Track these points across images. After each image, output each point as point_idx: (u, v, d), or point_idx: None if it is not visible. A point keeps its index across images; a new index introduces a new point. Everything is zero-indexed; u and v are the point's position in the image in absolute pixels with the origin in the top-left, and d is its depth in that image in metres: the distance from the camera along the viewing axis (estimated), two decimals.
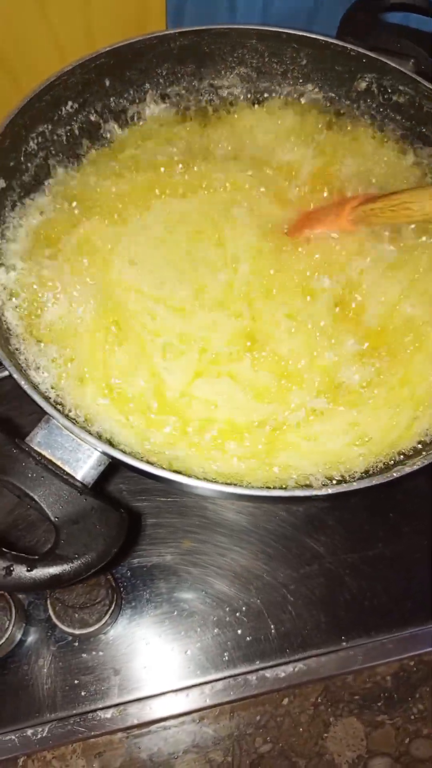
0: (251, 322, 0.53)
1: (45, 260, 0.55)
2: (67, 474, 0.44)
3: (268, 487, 0.46)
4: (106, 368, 0.50)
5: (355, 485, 0.44)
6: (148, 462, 0.44)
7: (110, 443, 0.47)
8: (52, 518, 0.41)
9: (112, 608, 0.57)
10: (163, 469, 0.43)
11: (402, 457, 0.50)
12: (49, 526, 0.63)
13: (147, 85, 0.65)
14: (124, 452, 0.44)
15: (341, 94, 0.67)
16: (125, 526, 0.42)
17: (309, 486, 0.47)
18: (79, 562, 0.39)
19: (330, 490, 0.44)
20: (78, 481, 0.44)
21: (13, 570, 0.39)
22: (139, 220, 0.58)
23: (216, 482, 0.44)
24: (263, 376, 0.51)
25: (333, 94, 0.67)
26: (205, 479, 0.45)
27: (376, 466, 0.50)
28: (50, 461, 0.44)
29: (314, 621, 0.62)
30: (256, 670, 0.60)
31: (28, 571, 0.39)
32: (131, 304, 0.53)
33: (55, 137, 0.61)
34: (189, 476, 0.44)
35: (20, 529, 0.64)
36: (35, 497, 0.41)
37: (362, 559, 0.65)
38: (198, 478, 0.44)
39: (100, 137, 0.65)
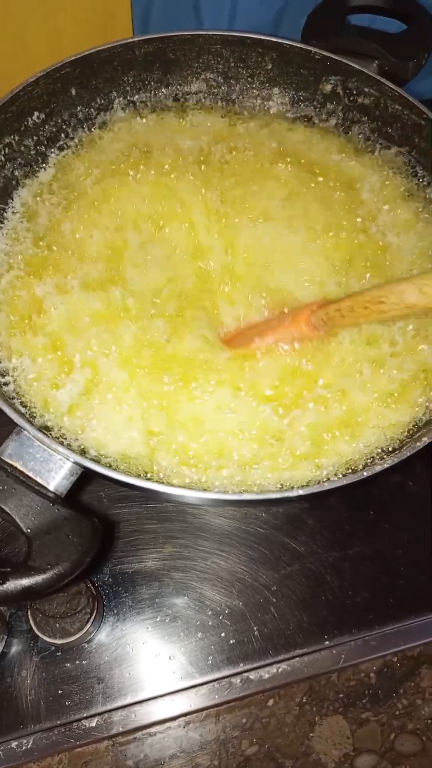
0: None
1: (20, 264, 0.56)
2: (39, 485, 0.44)
3: (244, 491, 0.47)
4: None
5: (327, 486, 0.44)
6: (121, 471, 0.44)
7: (83, 452, 0.47)
8: (25, 530, 0.41)
9: (93, 616, 0.57)
10: (136, 477, 0.43)
11: (375, 455, 0.50)
12: None
13: (114, 93, 0.66)
14: (96, 462, 0.44)
15: (307, 96, 0.68)
16: (99, 535, 0.42)
17: (283, 488, 0.47)
18: (51, 572, 0.40)
19: (302, 492, 0.44)
20: (50, 491, 0.44)
21: None
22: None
23: (191, 489, 0.45)
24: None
25: (299, 97, 0.68)
26: (181, 486, 0.45)
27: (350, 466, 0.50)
28: (22, 472, 0.44)
29: (297, 621, 0.62)
30: (241, 673, 0.60)
31: (0, 584, 0.39)
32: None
33: (23, 148, 0.61)
34: (165, 484, 0.44)
35: (0, 541, 0.64)
36: (7, 509, 0.41)
37: (343, 558, 0.65)
38: (174, 486, 0.44)
39: (67, 146, 0.65)
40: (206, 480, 0.48)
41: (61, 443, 0.44)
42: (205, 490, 0.46)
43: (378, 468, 0.45)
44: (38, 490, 0.43)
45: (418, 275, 0.47)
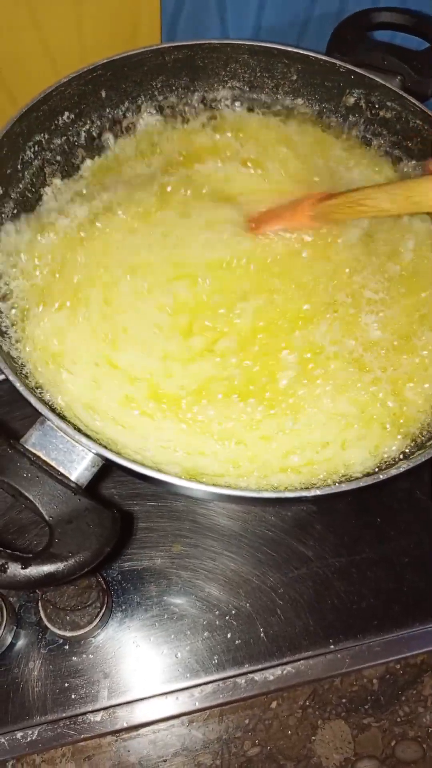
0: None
1: (37, 269, 0.56)
2: (62, 474, 0.44)
3: (259, 490, 0.47)
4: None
5: (344, 487, 0.45)
6: (140, 464, 0.44)
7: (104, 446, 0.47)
8: (47, 517, 0.42)
9: (102, 611, 0.57)
10: (155, 470, 0.44)
11: (388, 460, 0.51)
12: (40, 530, 0.64)
13: (142, 97, 0.67)
14: (117, 453, 0.45)
15: (330, 108, 0.69)
16: (118, 526, 0.43)
17: (298, 488, 0.48)
18: (73, 560, 0.40)
19: (318, 492, 0.45)
20: (72, 481, 0.44)
21: (8, 568, 0.39)
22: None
23: (207, 484, 0.45)
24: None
25: (322, 109, 0.69)
26: (198, 481, 0.46)
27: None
28: (45, 462, 0.44)
29: (302, 624, 0.63)
30: (246, 673, 0.61)
31: (23, 568, 0.39)
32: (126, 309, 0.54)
33: (52, 146, 0.63)
34: (180, 478, 0.45)
35: (12, 533, 0.65)
36: (30, 497, 0.42)
37: (350, 563, 0.66)
38: (189, 480, 0.45)
39: (96, 147, 0.66)
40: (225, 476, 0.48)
41: (84, 434, 0.45)
42: (224, 486, 0.46)
43: (393, 471, 0.46)
44: (60, 479, 0.44)
45: (390, 184, 0.55)
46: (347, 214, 0.56)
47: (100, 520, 0.42)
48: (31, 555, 0.40)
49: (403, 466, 0.46)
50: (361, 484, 0.45)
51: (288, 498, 0.45)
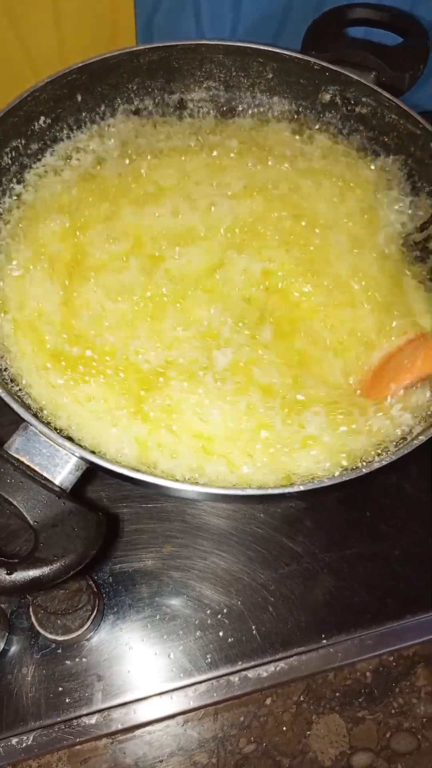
0: None
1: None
2: (45, 479, 0.44)
3: (244, 488, 0.47)
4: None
5: (326, 482, 0.45)
6: (122, 465, 0.45)
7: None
8: (31, 522, 0.42)
9: (94, 614, 0.57)
10: (140, 471, 0.44)
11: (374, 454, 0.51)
12: (30, 535, 0.64)
13: (118, 100, 0.67)
14: (101, 456, 0.45)
15: (307, 106, 0.69)
16: (103, 528, 0.43)
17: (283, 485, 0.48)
18: (58, 564, 0.40)
19: (302, 488, 0.45)
20: (56, 485, 0.44)
21: None
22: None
23: (194, 483, 0.45)
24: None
25: (299, 107, 0.69)
26: (184, 481, 0.46)
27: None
28: (28, 467, 0.44)
29: (294, 620, 0.63)
30: (239, 671, 0.61)
31: (8, 574, 0.39)
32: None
33: (29, 152, 0.63)
34: (166, 479, 0.45)
35: (1, 539, 0.65)
36: (14, 502, 0.42)
37: (340, 558, 0.66)
38: (176, 480, 0.45)
39: (73, 151, 0.66)
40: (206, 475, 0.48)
41: (67, 438, 0.45)
42: (206, 485, 0.47)
43: (376, 465, 0.46)
44: (44, 484, 0.44)
45: None
46: None
47: (85, 523, 0.42)
48: (16, 560, 0.40)
49: (386, 460, 0.47)
50: (344, 478, 0.46)
51: (272, 495, 0.45)
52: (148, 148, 0.64)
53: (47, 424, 0.46)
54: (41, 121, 0.63)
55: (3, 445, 0.46)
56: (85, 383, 0.50)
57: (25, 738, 0.57)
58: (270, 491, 0.45)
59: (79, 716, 0.58)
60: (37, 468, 0.45)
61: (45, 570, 0.40)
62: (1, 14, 0.72)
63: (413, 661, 0.65)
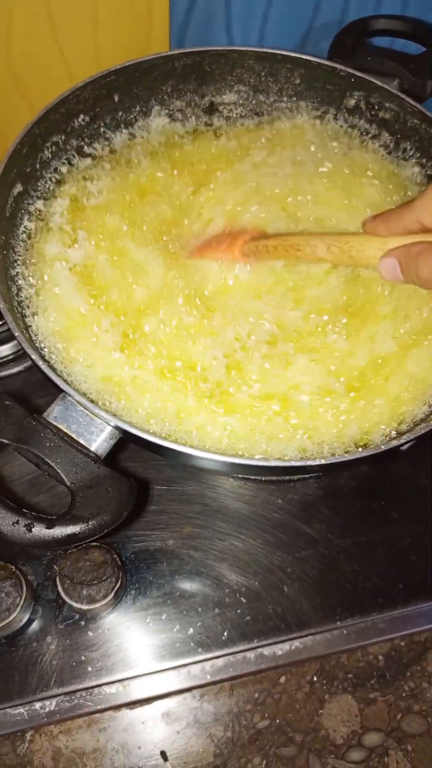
0: None
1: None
2: (81, 445, 0.47)
3: (267, 459, 0.50)
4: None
5: (348, 456, 0.48)
6: (156, 435, 0.47)
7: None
8: (68, 483, 0.45)
9: (117, 585, 0.60)
10: (170, 441, 0.47)
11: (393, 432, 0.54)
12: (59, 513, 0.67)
13: (152, 101, 0.71)
14: (134, 426, 0.47)
15: (332, 110, 0.72)
16: (135, 492, 0.46)
17: (305, 458, 0.51)
18: (94, 522, 0.43)
19: (323, 461, 0.47)
20: (91, 452, 0.47)
21: (34, 527, 0.42)
22: None
23: (220, 453, 0.48)
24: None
25: (324, 111, 0.73)
26: (211, 451, 0.49)
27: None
28: (65, 434, 0.47)
29: (309, 602, 0.65)
30: (255, 648, 0.63)
31: (47, 528, 0.42)
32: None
33: (68, 147, 0.66)
34: (194, 448, 0.47)
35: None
36: (53, 464, 0.45)
37: (354, 544, 0.68)
38: (204, 450, 0.48)
39: (109, 148, 0.70)
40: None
41: (103, 408, 0.48)
42: (235, 456, 0.49)
43: (395, 443, 0.49)
44: (80, 449, 0.47)
45: (330, 235, 0.53)
46: (280, 257, 0.56)
47: (118, 487, 0.45)
48: (55, 517, 0.43)
49: (404, 438, 0.49)
50: (364, 454, 0.48)
51: (294, 467, 0.48)
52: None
53: (84, 395, 0.49)
54: (80, 119, 0.66)
55: (42, 413, 0.49)
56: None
57: (48, 703, 0.60)
58: (293, 463, 0.48)
59: (100, 685, 0.61)
60: (73, 435, 0.48)
61: (81, 527, 0.43)
62: (43, 20, 0.76)
63: (425, 646, 0.66)
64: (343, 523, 0.69)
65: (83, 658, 0.61)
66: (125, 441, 0.50)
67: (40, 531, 0.42)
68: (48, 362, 0.50)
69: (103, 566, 0.60)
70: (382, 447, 0.48)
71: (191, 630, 0.63)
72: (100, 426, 0.48)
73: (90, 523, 0.43)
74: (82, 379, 0.53)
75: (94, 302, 0.57)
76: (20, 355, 0.73)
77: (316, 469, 0.49)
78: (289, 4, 0.82)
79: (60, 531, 0.42)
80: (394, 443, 0.49)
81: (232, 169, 0.67)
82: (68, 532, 0.42)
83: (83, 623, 0.63)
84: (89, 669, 0.61)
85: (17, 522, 0.42)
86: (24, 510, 0.43)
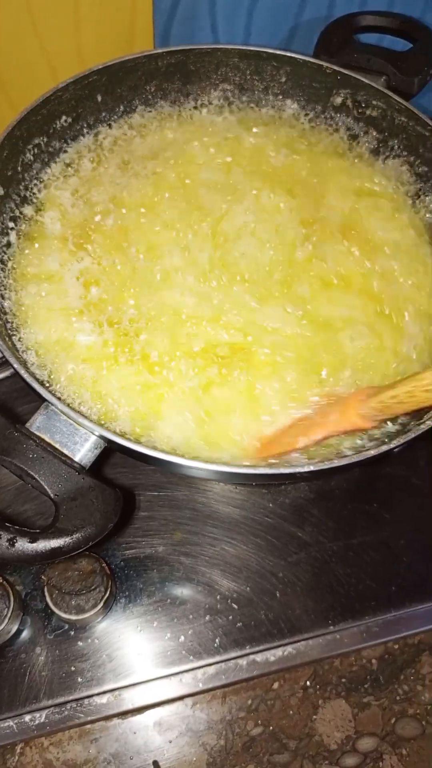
0: None
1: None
2: (65, 456, 0.46)
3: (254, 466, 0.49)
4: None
5: (336, 463, 0.47)
6: (142, 444, 0.46)
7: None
8: (52, 495, 0.44)
9: (106, 595, 0.59)
10: (157, 450, 0.46)
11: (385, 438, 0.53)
12: (45, 521, 0.66)
13: (136, 101, 0.70)
14: (118, 435, 0.47)
15: (318, 109, 0.71)
16: (120, 503, 0.45)
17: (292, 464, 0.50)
18: (78, 534, 0.42)
19: (312, 468, 0.47)
20: (75, 462, 0.46)
21: (16, 542, 0.41)
22: None
23: (209, 462, 0.47)
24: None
25: (311, 109, 0.72)
26: (198, 459, 0.48)
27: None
28: (49, 444, 0.46)
29: (302, 606, 0.64)
30: (247, 654, 0.62)
31: (30, 542, 0.41)
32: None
33: (51, 149, 0.65)
34: (183, 457, 0.46)
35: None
36: (36, 476, 0.44)
37: (347, 547, 0.68)
38: (191, 459, 0.47)
39: (91, 149, 0.68)
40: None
41: (86, 418, 0.47)
42: (222, 464, 0.48)
43: (385, 448, 0.48)
44: (64, 460, 0.46)
45: None
46: (405, 407, 0.46)
47: (103, 498, 0.44)
48: (38, 531, 0.42)
49: (394, 442, 0.48)
50: (354, 459, 0.47)
51: (283, 474, 0.47)
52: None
53: (68, 404, 0.48)
54: (63, 120, 0.65)
55: (25, 423, 0.48)
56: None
57: (37, 715, 0.59)
58: (281, 471, 0.47)
59: (91, 695, 0.60)
60: (57, 445, 0.47)
61: (66, 540, 0.42)
62: (24, 19, 0.75)
63: (418, 648, 0.66)
64: (335, 526, 0.69)
65: (73, 668, 0.60)
66: (111, 450, 0.49)
67: (23, 545, 0.41)
68: (30, 371, 0.49)
69: (91, 575, 0.60)
70: (372, 452, 0.48)
71: (182, 637, 0.63)
72: (85, 435, 0.47)
73: (74, 536, 0.42)
74: (65, 387, 0.52)
75: (83, 307, 0.56)
76: (4, 361, 0.72)
77: (306, 476, 0.48)
78: None
79: (44, 545, 0.41)
80: (385, 448, 0.48)
81: None
82: (52, 546, 0.41)
83: (73, 633, 0.62)
84: (79, 680, 0.60)
85: None
86: (6, 524, 0.42)
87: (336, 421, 0.49)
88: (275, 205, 0.63)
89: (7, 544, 0.41)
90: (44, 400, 0.48)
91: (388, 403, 0.46)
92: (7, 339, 0.53)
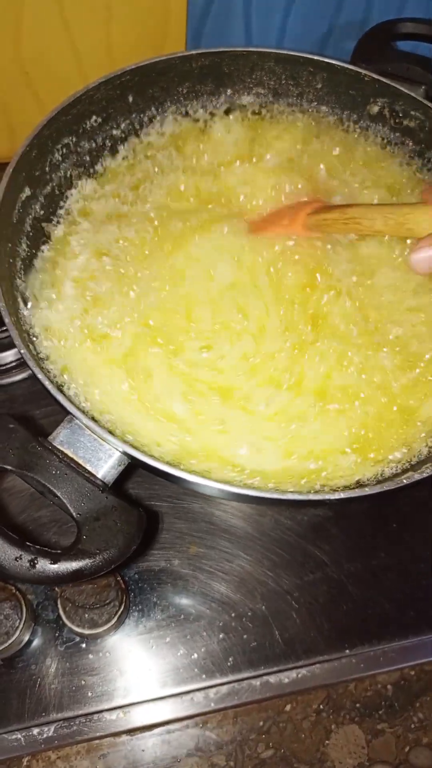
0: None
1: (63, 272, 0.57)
2: (89, 472, 0.45)
3: (282, 491, 0.48)
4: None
5: (368, 491, 0.46)
6: (167, 463, 0.45)
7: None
8: (75, 514, 0.42)
9: (120, 609, 0.58)
10: (183, 470, 0.45)
11: (411, 464, 0.51)
12: (59, 528, 0.65)
13: (168, 102, 0.68)
14: (144, 453, 0.45)
15: (354, 117, 0.70)
16: (144, 524, 0.44)
17: (320, 491, 0.48)
18: (100, 557, 0.41)
19: (342, 495, 0.45)
20: (99, 479, 0.45)
21: (37, 563, 0.40)
22: None
23: (232, 484, 0.46)
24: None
25: (346, 117, 0.70)
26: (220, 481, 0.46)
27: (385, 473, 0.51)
28: (72, 460, 0.45)
29: (317, 628, 0.63)
30: (261, 675, 0.61)
31: (51, 564, 0.40)
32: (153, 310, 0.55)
33: (79, 149, 0.64)
34: (206, 478, 0.45)
35: (31, 531, 0.65)
36: (59, 494, 0.42)
37: (365, 568, 0.66)
38: (213, 480, 0.45)
39: (121, 151, 0.67)
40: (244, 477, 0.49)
41: (111, 433, 0.46)
42: (245, 487, 0.47)
43: (417, 477, 0.47)
44: (88, 477, 0.44)
45: (387, 206, 0.55)
46: (340, 230, 0.57)
47: (126, 518, 0.43)
48: (59, 551, 0.41)
49: (427, 472, 0.47)
50: (385, 488, 0.46)
51: (311, 500, 0.45)
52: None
53: (93, 418, 0.46)
54: (93, 120, 0.63)
55: (47, 436, 0.46)
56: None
57: (46, 729, 0.58)
58: (310, 497, 0.45)
59: (100, 711, 0.59)
60: (80, 461, 0.45)
61: (87, 562, 0.40)
62: (55, 17, 0.73)
63: None
64: (353, 546, 0.67)
65: (83, 682, 0.59)
66: (133, 466, 0.47)
67: (44, 567, 0.40)
68: (54, 382, 0.47)
69: (106, 589, 0.58)
70: (405, 481, 0.46)
71: (195, 655, 0.61)
72: (109, 452, 0.46)
73: (97, 558, 0.41)
74: (85, 399, 0.51)
75: (103, 319, 0.54)
76: (23, 363, 0.71)
77: (334, 503, 0.47)
78: (310, 3, 0.79)
79: (65, 567, 0.40)
80: (417, 477, 0.46)
81: None
82: (74, 568, 0.40)
83: (84, 645, 0.61)
84: (89, 694, 0.59)
85: (20, 557, 0.40)
86: (27, 543, 0.41)
87: (286, 225, 0.59)
88: None
89: (29, 564, 0.39)
90: (68, 412, 0.46)
91: (321, 222, 0.57)
92: (31, 346, 0.51)
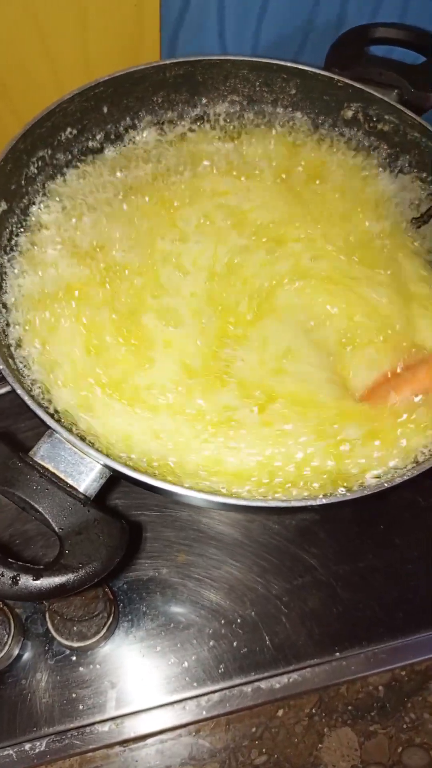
0: None
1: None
2: (70, 486, 0.45)
3: (265, 498, 0.48)
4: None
5: (349, 495, 0.46)
6: (149, 474, 0.45)
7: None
8: (57, 529, 0.42)
9: (109, 621, 0.58)
10: (166, 481, 0.45)
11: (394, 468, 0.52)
12: (46, 541, 0.64)
13: (143, 112, 0.68)
14: (125, 465, 0.45)
15: (328, 122, 0.70)
16: (126, 536, 0.44)
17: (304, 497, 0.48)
18: (83, 571, 0.41)
19: (325, 501, 0.45)
20: (80, 493, 0.45)
21: (20, 579, 0.40)
22: None
23: (216, 494, 0.46)
24: None
25: (320, 122, 0.70)
26: (204, 491, 0.47)
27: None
28: (53, 474, 0.45)
29: (308, 632, 0.63)
30: (252, 682, 0.61)
31: (34, 580, 0.40)
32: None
33: (54, 162, 0.64)
34: (190, 489, 0.45)
35: (17, 545, 0.65)
36: (40, 509, 0.42)
37: (353, 571, 0.66)
38: (199, 491, 0.45)
39: (96, 161, 0.67)
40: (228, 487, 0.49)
41: (91, 446, 0.46)
42: (229, 495, 0.47)
43: (398, 480, 0.47)
44: (69, 491, 0.44)
45: None
46: None
47: (109, 531, 0.43)
48: (42, 566, 0.41)
49: (408, 474, 0.47)
50: (366, 492, 0.46)
51: (294, 507, 0.45)
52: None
53: (73, 432, 0.46)
54: (68, 132, 0.63)
55: (29, 451, 0.46)
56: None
57: (38, 744, 0.58)
58: (293, 504, 0.45)
59: (92, 723, 0.59)
60: (62, 475, 0.45)
61: (70, 577, 0.40)
62: (29, 27, 0.73)
63: (426, 675, 0.65)
64: (341, 549, 0.68)
65: (74, 695, 0.59)
66: (115, 479, 0.47)
67: (26, 583, 0.40)
68: (35, 398, 0.47)
69: (94, 600, 0.58)
70: (386, 485, 0.46)
71: (186, 663, 0.61)
72: (90, 465, 0.46)
73: (80, 572, 0.41)
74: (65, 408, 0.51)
75: (86, 331, 0.54)
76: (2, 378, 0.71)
77: (318, 509, 0.47)
78: (283, 9, 0.79)
79: (48, 582, 0.40)
80: (398, 480, 0.47)
81: None
82: (57, 583, 0.40)
83: (74, 658, 0.61)
84: (81, 707, 0.59)
85: (2, 574, 0.39)
86: (9, 560, 0.41)
87: (423, 378, 0.52)
88: None
89: (11, 581, 0.39)
90: (49, 427, 0.46)
91: None
92: (10, 360, 0.51)
